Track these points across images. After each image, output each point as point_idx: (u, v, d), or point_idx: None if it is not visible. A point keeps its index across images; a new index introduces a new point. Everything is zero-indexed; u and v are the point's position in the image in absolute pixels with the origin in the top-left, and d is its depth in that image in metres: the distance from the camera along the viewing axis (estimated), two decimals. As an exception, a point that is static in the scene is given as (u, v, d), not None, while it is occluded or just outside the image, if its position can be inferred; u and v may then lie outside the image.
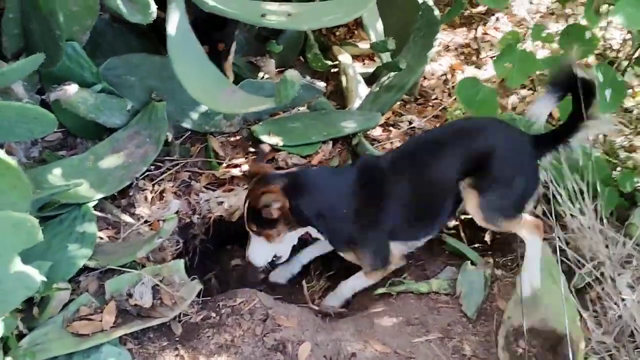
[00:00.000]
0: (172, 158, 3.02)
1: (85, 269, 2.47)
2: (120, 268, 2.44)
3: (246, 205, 2.57)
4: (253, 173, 2.70)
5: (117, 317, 2.33)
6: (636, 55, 2.92)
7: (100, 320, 2.30)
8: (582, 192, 2.64)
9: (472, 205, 2.60)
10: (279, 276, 3.02)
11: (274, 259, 2.73)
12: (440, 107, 3.76)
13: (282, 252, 2.72)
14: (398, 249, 2.71)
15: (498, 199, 2.60)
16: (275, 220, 2.53)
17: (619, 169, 3.11)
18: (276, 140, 3.16)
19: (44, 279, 2.02)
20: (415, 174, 2.63)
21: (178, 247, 2.77)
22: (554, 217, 2.63)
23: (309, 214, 2.58)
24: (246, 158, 3.13)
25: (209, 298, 2.61)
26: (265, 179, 2.59)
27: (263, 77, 3.51)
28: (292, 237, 2.69)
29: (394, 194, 2.62)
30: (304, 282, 2.91)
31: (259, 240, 2.62)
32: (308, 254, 3.00)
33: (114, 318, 2.32)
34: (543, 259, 2.61)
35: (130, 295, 2.38)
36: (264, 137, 3.16)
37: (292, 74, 2.09)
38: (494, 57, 4.05)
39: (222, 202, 2.86)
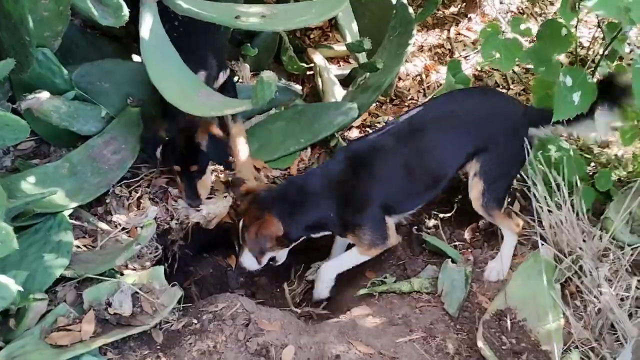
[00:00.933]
0: (148, 165, 2.98)
1: (63, 279, 2.42)
2: (98, 277, 2.39)
3: (241, 225, 2.62)
4: (244, 191, 2.71)
5: (96, 326, 2.29)
6: (606, 52, 2.96)
7: (79, 331, 2.25)
8: (558, 188, 2.67)
9: (476, 191, 2.68)
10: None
11: (271, 262, 2.74)
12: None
13: (279, 257, 2.74)
14: (393, 224, 2.75)
15: (500, 186, 2.70)
16: None
17: (592, 164, 3.16)
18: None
19: (20, 288, 1.98)
20: (419, 146, 2.65)
21: (157, 253, 2.74)
22: (535, 213, 2.67)
23: (306, 229, 2.67)
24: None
25: (190, 305, 2.58)
26: (259, 203, 2.61)
27: (238, 81, 3.49)
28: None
29: (391, 165, 2.66)
30: (285, 285, 2.90)
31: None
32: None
33: (93, 328, 2.28)
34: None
35: (109, 304, 2.34)
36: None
37: (268, 74, 2.08)
38: (467, 56, 4.11)
39: (200, 209, 2.82)
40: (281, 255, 2.73)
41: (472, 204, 2.75)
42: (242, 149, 3.08)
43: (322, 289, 2.84)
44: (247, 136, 3.15)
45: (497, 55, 2.86)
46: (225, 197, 2.90)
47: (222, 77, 3.03)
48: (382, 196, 2.65)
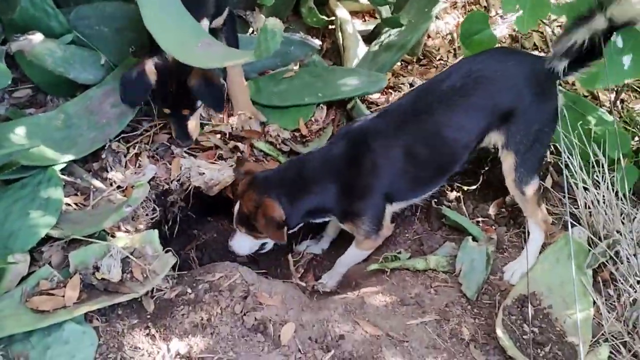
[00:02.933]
0: (149, 118, 2.76)
1: (49, 239, 2.25)
2: (86, 239, 2.21)
3: (237, 207, 2.42)
4: (243, 171, 2.50)
5: (81, 292, 2.12)
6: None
7: (63, 296, 2.08)
8: (598, 163, 2.40)
9: (507, 165, 2.41)
10: (314, 248, 2.94)
11: (261, 248, 2.57)
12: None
13: (270, 242, 2.56)
14: (390, 212, 2.53)
15: (534, 156, 2.42)
16: None
17: (637, 138, 2.87)
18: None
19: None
20: (424, 131, 2.39)
21: (154, 215, 2.55)
22: (566, 189, 2.41)
23: (306, 215, 2.47)
24: (229, 124, 2.87)
25: (186, 272, 2.39)
26: (257, 186, 2.39)
27: (252, 33, 3.23)
28: None
29: (395, 155, 2.40)
30: (289, 256, 2.70)
31: (244, 235, 2.50)
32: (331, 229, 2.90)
33: (77, 293, 2.11)
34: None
35: (96, 269, 2.17)
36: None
37: (272, 22, 1.82)
38: (504, 17, 3.77)
39: (202, 173, 2.61)
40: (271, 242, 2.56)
41: (502, 178, 2.49)
42: (240, 91, 2.87)
43: (328, 284, 2.68)
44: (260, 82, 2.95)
45: (520, 11, 2.47)
46: (231, 166, 2.68)
47: (220, 18, 2.78)
48: (385, 184, 2.42)
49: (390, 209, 2.51)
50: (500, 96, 2.37)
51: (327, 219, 2.62)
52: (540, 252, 2.48)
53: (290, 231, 2.48)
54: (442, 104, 2.37)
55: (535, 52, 3.53)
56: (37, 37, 2.45)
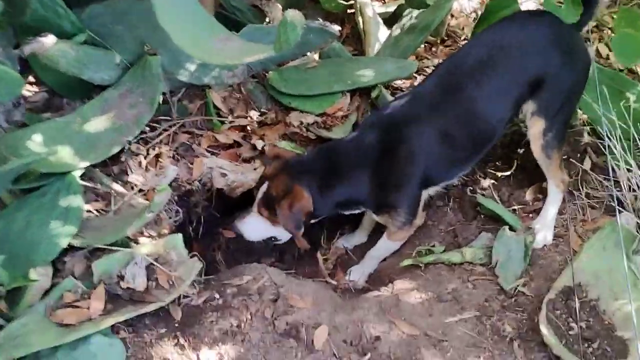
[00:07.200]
0: (168, 118, 2.68)
1: (71, 248, 2.18)
2: (109, 247, 2.14)
3: (263, 188, 2.31)
4: (272, 155, 2.41)
5: (106, 302, 2.05)
6: None
7: (88, 308, 2.01)
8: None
9: (535, 130, 2.34)
10: (348, 242, 2.85)
11: (272, 240, 2.45)
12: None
13: (284, 236, 2.43)
14: (424, 198, 2.44)
15: (563, 120, 2.37)
16: None
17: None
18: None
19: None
20: (457, 107, 2.29)
21: (178, 217, 2.46)
22: (610, 170, 2.28)
23: (336, 206, 2.37)
24: (249, 118, 2.77)
25: (212, 277, 2.32)
26: (289, 172, 2.29)
27: (270, 23, 3.11)
28: None
29: (431, 140, 2.30)
30: (318, 253, 2.60)
31: (259, 218, 2.38)
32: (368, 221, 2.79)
33: (103, 304, 2.03)
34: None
35: (121, 278, 2.09)
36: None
37: (293, 14, 1.71)
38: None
39: (225, 175, 2.52)
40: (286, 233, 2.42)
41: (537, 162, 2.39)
42: None
43: (359, 281, 2.60)
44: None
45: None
46: (255, 169, 2.58)
47: None
48: (421, 171, 2.30)
49: (426, 193, 2.41)
50: (530, 62, 2.28)
51: (356, 212, 2.50)
52: (584, 240, 2.36)
53: (313, 221, 2.38)
54: (471, 79, 2.27)
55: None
56: (50, 39, 2.36)
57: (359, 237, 2.82)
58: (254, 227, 2.40)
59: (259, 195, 2.33)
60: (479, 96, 2.27)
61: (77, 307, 2.02)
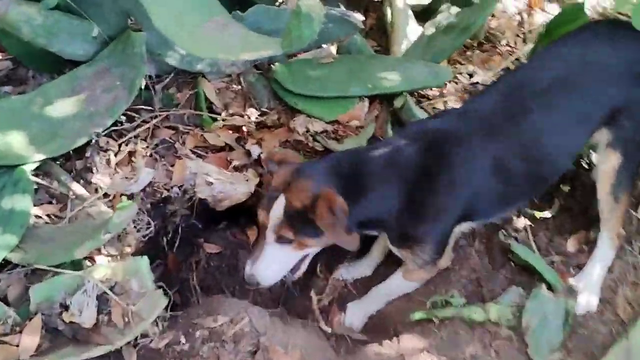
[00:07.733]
0: (149, 108, 2.25)
1: (7, 264, 1.77)
2: (52, 269, 1.72)
3: (278, 206, 1.76)
4: (277, 160, 1.91)
5: (42, 339, 1.65)
6: None
7: (17, 345, 1.61)
8: None
9: (608, 166, 1.96)
10: (349, 273, 2.39)
11: (286, 276, 1.93)
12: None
13: (301, 267, 1.94)
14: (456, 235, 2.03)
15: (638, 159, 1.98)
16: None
17: None
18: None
19: None
20: (520, 133, 1.88)
21: (148, 232, 2.04)
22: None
23: (356, 225, 1.82)
24: (246, 117, 2.33)
25: (180, 313, 1.89)
26: (309, 174, 1.80)
27: (281, 4, 2.66)
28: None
29: (480, 164, 1.87)
30: (312, 293, 2.18)
31: (280, 249, 1.82)
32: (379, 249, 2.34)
33: (37, 341, 1.64)
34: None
35: (65, 308, 1.71)
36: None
37: (309, 3, 1.28)
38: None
39: (211, 183, 2.09)
40: (306, 261, 1.93)
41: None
42: None
43: (356, 324, 2.19)
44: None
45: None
46: (247, 180, 2.15)
47: None
48: (462, 205, 1.87)
49: (459, 229, 2.00)
50: (614, 86, 1.89)
51: (375, 234, 2.07)
52: (634, 308, 1.94)
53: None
54: (542, 102, 1.87)
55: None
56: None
57: (364, 268, 2.37)
58: (275, 263, 1.84)
59: (276, 216, 1.77)
60: (551, 123, 1.87)
61: (4, 342, 1.63)
